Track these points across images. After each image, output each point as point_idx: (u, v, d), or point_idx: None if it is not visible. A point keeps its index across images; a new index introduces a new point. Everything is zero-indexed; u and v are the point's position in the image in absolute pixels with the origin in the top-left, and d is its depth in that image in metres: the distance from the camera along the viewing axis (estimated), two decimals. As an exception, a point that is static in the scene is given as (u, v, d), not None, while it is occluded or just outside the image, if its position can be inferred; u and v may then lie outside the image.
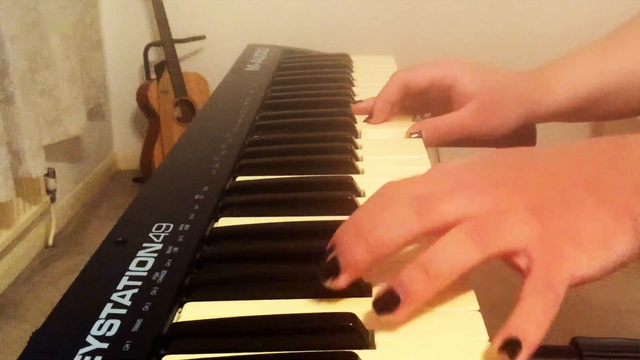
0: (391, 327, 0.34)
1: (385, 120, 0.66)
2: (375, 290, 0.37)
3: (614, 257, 0.34)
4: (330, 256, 0.35)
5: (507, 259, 0.35)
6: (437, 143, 0.63)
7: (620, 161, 0.37)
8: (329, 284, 0.35)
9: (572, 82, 0.61)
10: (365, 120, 0.66)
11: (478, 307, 0.36)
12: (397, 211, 0.35)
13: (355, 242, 0.35)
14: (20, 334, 1.58)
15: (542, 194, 0.36)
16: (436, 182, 0.38)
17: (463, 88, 0.61)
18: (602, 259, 0.34)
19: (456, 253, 0.34)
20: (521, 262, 0.34)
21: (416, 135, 0.61)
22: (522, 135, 0.64)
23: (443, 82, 0.63)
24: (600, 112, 0.64)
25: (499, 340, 0.31)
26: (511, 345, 0.31)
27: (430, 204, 0.36)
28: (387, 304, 0.33)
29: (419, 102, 0.67)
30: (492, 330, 0.34)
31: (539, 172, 0.38)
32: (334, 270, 0.35)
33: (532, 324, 0.32)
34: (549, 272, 0.33)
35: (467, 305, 0.36)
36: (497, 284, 1.65)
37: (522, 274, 0.34)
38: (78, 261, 1.88)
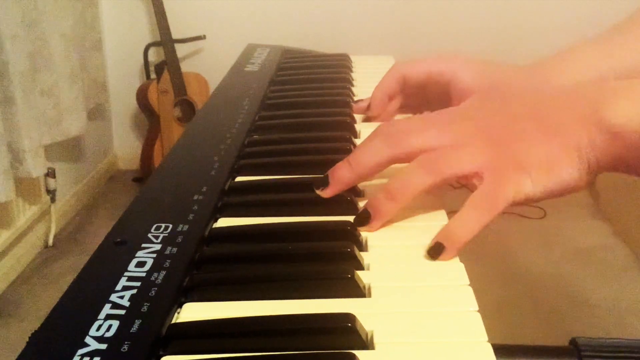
0: (390, 327, 0.34)
1: (383, 111, 0.66)
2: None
3: (557, 182, 0.41)
4: (324, 174, 0.46)
5: (464, 181, 0.43)
6: None
7: (571, 102, 0.43)
8: (320, 192, 0.46)
9: (571, 77, 0.61)
10: (363, 113, 0.66)
11: (477, 308, 0.36)
12: (374, 142, 0.46)
13: (342, 164, 0.46)
14: (20, 334, 1.58)
15: (500, 129, 0.44)
16: (410, 122, 0.48)
17: (462, 83, 0.61)
18: (546, 183, 0.41)
19: (412, 179, 0.43)
20: (476, 182, 0.42)
21: None
22: None
23: (442, 76, 0.63)
24: None
25: (431, 243, 0.41)
26: (437, 248, 0.40)
27: (400, 137, 0.45)
28: (362, 219, 0.44)
29: (418, 99, 0.67)
30: (491, 331, 0.34)
31: (500, 112, 0.45)
32: (324, 182, 0.46)
33: (463, 228, 0.41)
34: (491, 188, 0.41)
35: (465, 306, 0.36)
36: (496, 284, 1.66)
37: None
38: (78, 261, 1.88)
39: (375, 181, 0.49)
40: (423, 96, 0.66)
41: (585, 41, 0.63)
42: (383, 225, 0.44)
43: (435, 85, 0.63)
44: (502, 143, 0.43)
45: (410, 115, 0.68)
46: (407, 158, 0.44)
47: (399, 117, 0.67)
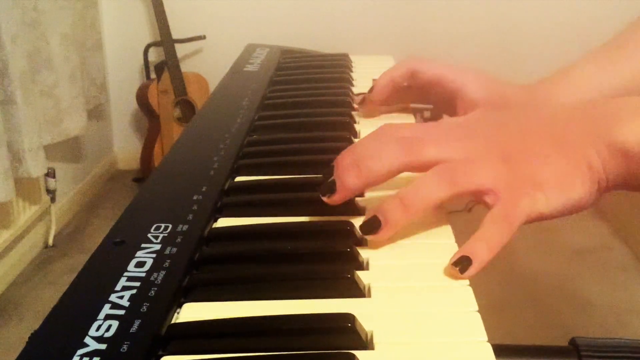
0: (390, 327, 0.34)
1: (384, 98, 0.66)
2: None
3: (569, 200, 0.41)
4: (330, 178, 0.43)
5: (476, 197, 0.41)
6: None
7: (583, 120, 0.43)
8: (326, 199, 0.43)
9: (572, 94, 0.61)
10: (365, 95, 0.67)
11: (477, 308, 0.36)
12: (387, 147, 0.42)
13: (350, 169, 0.42)
14: (20, 334, 1.58)
15: (513, 146, 0.43)
16: (425, 130, 0.45)
17: (469, 95, 0.62)
18: (559, 200, 0.41)
19: (429, 188, 0.40)
20: (489, 199, 0.41)
21: None
22: None
23: (452, 83, 0.63)
24: None
25: (454, 257, 0.38)
26: (463, 262, 0.38)
27: (416, 145, 0.43)
28: (370, 227, 0.41)
29: (420, 96, 0.68)
30: (490, 331, 0.34)
31: (512, 128, 0.45)
32: (331, 189, 0.43)
33: (484, 246, 0.39)
34: (508, 207, 0.40)
35: (465, 306, 0.36)
36: (496, 284, 1.66)
37: (489, 209, 0.41)
38: (78, 261, 1.88)
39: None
40: (425, 95, 0.67)
41: (585, 58, 0.63)
42: (390, 238, 0.41)
43: (442, 90, 0.64)
44: (515, 160, 0.42)
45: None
46: (420, 167, 0.42)
47: (394, 115, 0.68)
